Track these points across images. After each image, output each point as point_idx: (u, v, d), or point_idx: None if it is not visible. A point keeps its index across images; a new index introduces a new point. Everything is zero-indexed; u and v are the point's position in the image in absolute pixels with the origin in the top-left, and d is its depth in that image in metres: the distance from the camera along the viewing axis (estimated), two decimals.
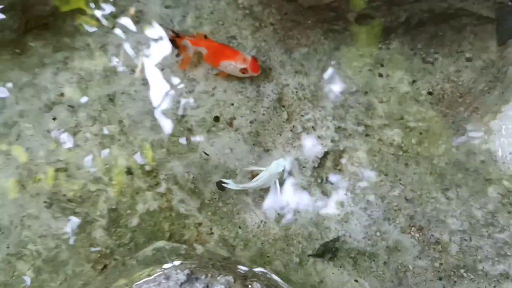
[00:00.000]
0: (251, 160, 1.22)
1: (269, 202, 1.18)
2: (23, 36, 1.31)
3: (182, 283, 0.91)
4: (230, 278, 0.93)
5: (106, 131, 1.22)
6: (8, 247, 1.08)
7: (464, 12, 1.38)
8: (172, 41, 1.32)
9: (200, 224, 1.14)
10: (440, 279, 1.12)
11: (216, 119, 1.27)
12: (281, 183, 1.18)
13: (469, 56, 1.36)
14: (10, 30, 1.29)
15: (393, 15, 1.38)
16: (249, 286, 0.93)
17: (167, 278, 0.91)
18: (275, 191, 1.17)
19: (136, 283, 0.92)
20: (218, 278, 0.93)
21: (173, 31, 1.32)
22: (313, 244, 1.14)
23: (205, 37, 1.31)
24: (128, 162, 1.19)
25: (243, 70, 1.25)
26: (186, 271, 0.92)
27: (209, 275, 0.93)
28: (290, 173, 1.20)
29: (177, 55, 1.31)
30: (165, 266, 0.95)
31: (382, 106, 1.31)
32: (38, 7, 1.32)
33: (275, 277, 1.03)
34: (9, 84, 1.26)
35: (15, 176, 1.16)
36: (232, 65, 1.26)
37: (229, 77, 1.29)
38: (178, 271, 0.92)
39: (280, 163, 1.14)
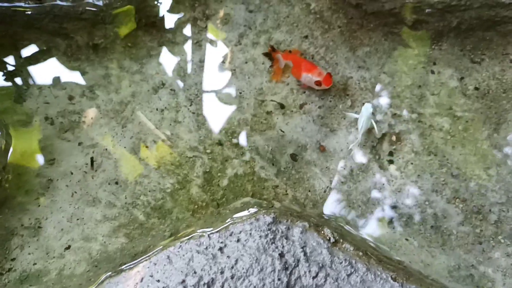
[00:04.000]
0: (319, 138, 1.46)
1: (334, 172, 1.42)
2: (135, 32, 1.61)
3: (269, 224, 1.15)
4: (306, 223, 1.17)
5: (201, 111, 1.49)
6: (125, 198, 1.36)
7: (509, 19, 1.57)
8: (269, 54, 1.57)
9: (277, 186, 1.39)
10: (480, 243, 1.32)
11: (282, 106, 1.51)
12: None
13: None
14: (126, 27, 1.60)
15: (446, 20, 1.59)
16: (322, 231, 1.17)
17: (257, 220, 1.16)
18: (374, 131, 1.44)
19: (232, 223, 1.17)
20: (296, 222, 1.17)
21: (271, 46, 1.57)
22: (371, 208, 1.36)
23: (290, 52, 1.56)
24: (219, 135, 1.46)
25: (317, 82, 1.46)
26: (272, 215, 1.16)
27: (289, 220, 1.17)
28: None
29: (271, 67, 1.56)
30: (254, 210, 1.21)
31: (433, 98, 1.52)
32: (148, 8, 1.62)
33: (345, 227, 1.27)
34: (123, 71, 1.56)
35: (130, 144, 1.44)
36: (309, 77, 1.48)
37: (308, 88, 1.52)
38: (265, 215, 1.17)
39: (367, 107, 1.40)
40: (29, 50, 1.57)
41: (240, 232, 1.13)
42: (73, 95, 1.51)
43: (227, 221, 1.22)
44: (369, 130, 1.45)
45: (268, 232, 1.13)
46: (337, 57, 1.59)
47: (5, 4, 1.56)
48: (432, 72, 1.56)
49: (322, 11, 1.67)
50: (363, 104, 1.44)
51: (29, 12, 1.57)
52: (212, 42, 1.61)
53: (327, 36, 1.62)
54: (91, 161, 1.41)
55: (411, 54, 1.59)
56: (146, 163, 1.41)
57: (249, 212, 1.24)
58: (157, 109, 1.49)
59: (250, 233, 1.13)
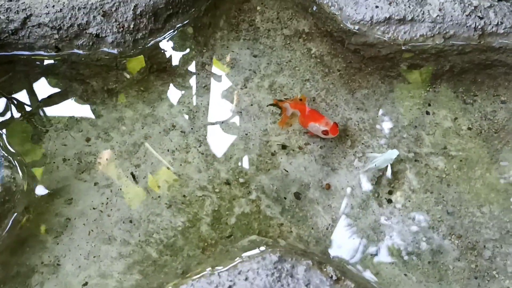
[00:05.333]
0: (321, 177, 1.55)
1: (335, 210, 1.50)
2: (147, 77, 1.72)
3: (275, 262, 1.23)
4: (309, 261, 1.25)
5: (209, 151, 1.59)
6: (139, 235, 1.45)
7: (499, 62, 1.68)
8: (276, 104, 1.67)
9: (282, 224, 1.47)
10: (476, 278, 1.39)
11: (284, 147, 1.61)
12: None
13: (504, 99, 1.65)
14: (139, 73, 1.71)
15: (440, 64, 1.70)
16: (324, 269, 1.25)
17: (264, 258, 1.24)
18: (385, 175, 1.53)
19: (241, 262, 1.25)
20: (301, 261, 1.25)
21: (276, 100, 1.66)
22: (371, 244, 1.44)
23: (301, 100, 1.65)
24: (227, 175, 1.55)
25: (325, 132, 1.52)
26: (278, 254, 1.24)
27: (294, 258, 1.25)
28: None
29: (280, 114, 1.65)
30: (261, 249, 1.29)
31: (428, 137, 1.61)
32: (160, 55, 1.73)
33: (346, 263, 1.35)
34: (137, 114, 1.66)
35: (143, 184, 1.53)
36: (317, 126, 1.53)
37: (314, 136, 1.60)
38: (271, 254, 1.25)
39: (394, 152, 1.49)
40: (47, 94, 1.67)
41: (248, 270, 1.21)
42: (89, 137, 1.61)
43: (235, 259, 1.30)
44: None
45: (274, 270, 1.21)
46: (337, 99, 1.69)
47: (26, 53, 1.68)
48: (427, 113, 1.66)
49: (322, 56, 1.77)
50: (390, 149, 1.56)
51: (48, 60, 1.68)
52: (219, 86, 1.71)
53: (327, 79, 1.73)
54: (132, 176, 1.53)
55: (406, 96, 1.69)
56: (158, 202, 1.50)
57: (257, 250, 1.32)
58: (168, 150, 1.59)
59: (258, 272, 1.21)
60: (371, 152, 1.56)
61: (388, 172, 1.53)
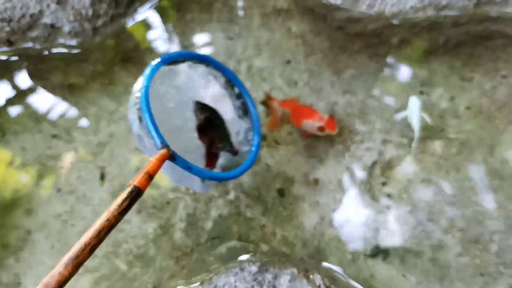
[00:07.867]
0: (307, 170, 1.40)
1: (323, 207, 1.35)
2: (112, 69, 1.56)
3: (254, 273, 1.09)
4: (294, 270, 1.11)
5: None
6: (107, 246, 1.30)
7: (498, 34, 1.51)
8: (265, 102, 1.49)
9: (264, 226, 1.33)
10: (482, 274, 1.25)
11: (264, 138, 1.45)
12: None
13: (504, 73, 1.49)
14: (102, 64, 1.54)
15: (433, 38, 1.54)
16: (311, 276, 1.11)
17: (242, 269, 1.10)
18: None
19: (217, 275, 1.11)
20: (284, 270, 1.11)
21: (267, 94, 1.50)
22: (364, 243, 1.30)
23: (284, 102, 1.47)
24: None
25: (320, 128, 1.36)
26: (258, 264, 1.10)
27: (277, 267, 1.11)
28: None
29: (267, 116, 1.48)
30: (240, 258, 1.14)
31: (424, 120, 1.46)
32: (124, 43, 1.56)
33: (334, 267, 1.21)
34: (101, 111, 1.50)
35: (110, 188, 1.38)
36: (310, 123, 1.37)
37: (311, 136, 1.43)
38: (251, 263, 1.11)
39: (414, 101, 1.36)
40: (3, 94, 1.52)
41: (224, 285, 1.07)
42: (50, 138, 1.45)
43: (211, 268, 1.16)
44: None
45: (254, 283, 1.07)
46: (322, 82, 1.53)
47: None
48: (421, 92, 1.50)
49: (304, 35, 1.61)
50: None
51: (1, 56, 1.52)
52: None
53: (310, 60, 1.57)
54: (101, 175, 1.39)
55: (398, 75, 1.53)
56: None
57: (235, 259, 1.18)
58: (136, 149, 1.44)
59: (235, 286, 1.07)
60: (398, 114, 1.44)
61: (428, 120, 1.40)
